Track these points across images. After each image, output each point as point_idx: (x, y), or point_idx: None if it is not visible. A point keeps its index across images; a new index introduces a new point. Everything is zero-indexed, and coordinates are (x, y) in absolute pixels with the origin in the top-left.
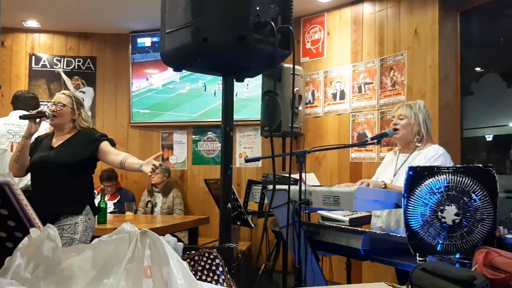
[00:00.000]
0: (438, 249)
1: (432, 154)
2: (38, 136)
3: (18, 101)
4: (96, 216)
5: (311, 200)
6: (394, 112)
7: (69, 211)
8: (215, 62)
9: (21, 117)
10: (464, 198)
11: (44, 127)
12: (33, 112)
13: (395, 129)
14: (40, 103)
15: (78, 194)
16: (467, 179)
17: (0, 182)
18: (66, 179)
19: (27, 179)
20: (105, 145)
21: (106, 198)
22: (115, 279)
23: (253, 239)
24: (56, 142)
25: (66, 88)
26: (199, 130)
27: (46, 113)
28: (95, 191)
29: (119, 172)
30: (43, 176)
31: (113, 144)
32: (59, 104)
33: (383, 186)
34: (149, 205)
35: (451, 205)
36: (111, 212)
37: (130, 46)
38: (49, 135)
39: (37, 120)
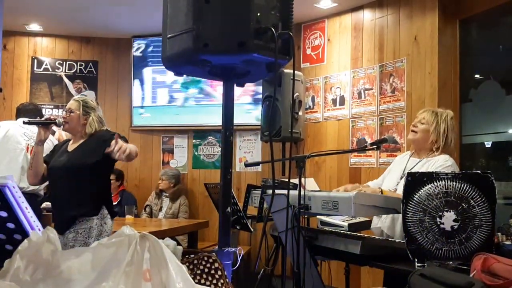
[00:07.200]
0: (436, 254)
1: (441, 164)
2: (57, 144)
3: (19, 113)
4: (113, 220)
5: (310, 205)
6: (419, 114)
7: (84, 213)
8: (215, 67)
9: (25, 123)
10: (463, 204)
11: (51, 139)
12: (42, 119)
13: (413, 132)
14: (42, 105)
15: (92, 196)
16: (465, 185)
17: None
18: (79, 181)
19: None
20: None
21: None
22: (114, 282)
23: (252, 244)
24: (71, 147)
25: (68, 92)
26: (200, 134)
27: (57, 121)
28: None
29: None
30: (58, 180)
31: (125, 140)
32: (68, 110)
33: (379, 192)
34: (148, 209)
35: (450, 211)
36: None
37: (132, 50)
38: (68, 141)
39: (47, 127)
